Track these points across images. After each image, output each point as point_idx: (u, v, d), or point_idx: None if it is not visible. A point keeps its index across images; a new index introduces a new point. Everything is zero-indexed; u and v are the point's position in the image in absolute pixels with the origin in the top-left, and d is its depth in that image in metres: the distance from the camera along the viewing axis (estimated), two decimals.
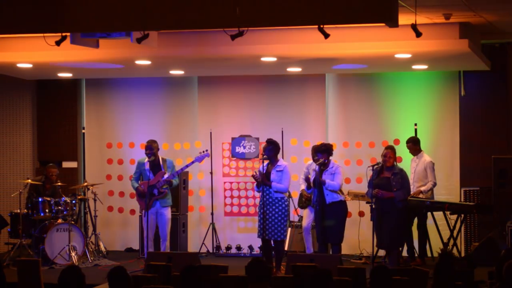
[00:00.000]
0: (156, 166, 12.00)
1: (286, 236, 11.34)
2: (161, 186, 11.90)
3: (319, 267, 6.81)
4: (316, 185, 11.04)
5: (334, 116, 13.75)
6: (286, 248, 12.15)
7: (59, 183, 12.65)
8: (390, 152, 11.17)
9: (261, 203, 11.17)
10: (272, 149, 11.17)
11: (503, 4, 10.12)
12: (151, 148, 11.99)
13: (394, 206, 10.91)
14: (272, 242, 11.19)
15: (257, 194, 13.37)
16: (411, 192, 11.66)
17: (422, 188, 12.04)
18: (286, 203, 11.16)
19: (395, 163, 11.19)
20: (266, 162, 11.18)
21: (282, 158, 13.06)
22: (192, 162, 12.24)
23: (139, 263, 11.96)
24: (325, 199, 10.97)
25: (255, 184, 11.36)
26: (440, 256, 7.03)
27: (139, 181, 12.16)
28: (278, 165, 11.18)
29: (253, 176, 11.26)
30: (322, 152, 11.11)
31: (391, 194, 10.92)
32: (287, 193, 11.27)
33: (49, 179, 12.76)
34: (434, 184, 12.11)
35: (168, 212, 12.04)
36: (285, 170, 11.14)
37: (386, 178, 11.05)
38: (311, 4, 8.08)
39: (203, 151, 12.36)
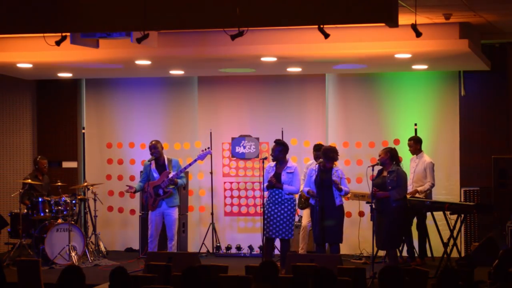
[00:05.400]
0: (161, 166, 11.95)
1: (293, 235, 11.34)
2: (166, 186, 11.84)
3: (322, 267, 6.74)
4: (317, 186, 11.02)
5: (334, 116, 13.75)
6: None
7: (59, 183, 12.67)
8: (381, 151, 11.18)
9: (268, 202, 11.15)
10: (281, 150, 11.18)
11: (503, 4, 10.11)
12: (156, 147, 11.93)
13: (389, 206, 10.88)
14: (276, 241, 11.22)
15: (258, 194, 13.44)
16: (408, 192, 11.66)
17: (420, 188, 12.03)
18: (294, 202, 11.26)
19: (394, 163, 11.17)
20: (273, 163, 11.20)
21: None
22: (195, 160, 12.17)
23: (139, 263, 11.96)
24: (335, 201, 10.94)
25: (265, 185, 11.30)
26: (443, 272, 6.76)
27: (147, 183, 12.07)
28: (288, 166, 11.18)
29: (269, 181, 11.17)
30: (328, 159, 11.03)
31: (386, 194, 10.89)
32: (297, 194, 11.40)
33: (41, 171, 12.93)
34: (432, 185, 12.11)
35: (175, 212, 11.92)
36: (296, 172, 11.19)
37: (383, 177, 11.04)
38: (311, 4, 8.08)
39: (205, 149, 12.31)
